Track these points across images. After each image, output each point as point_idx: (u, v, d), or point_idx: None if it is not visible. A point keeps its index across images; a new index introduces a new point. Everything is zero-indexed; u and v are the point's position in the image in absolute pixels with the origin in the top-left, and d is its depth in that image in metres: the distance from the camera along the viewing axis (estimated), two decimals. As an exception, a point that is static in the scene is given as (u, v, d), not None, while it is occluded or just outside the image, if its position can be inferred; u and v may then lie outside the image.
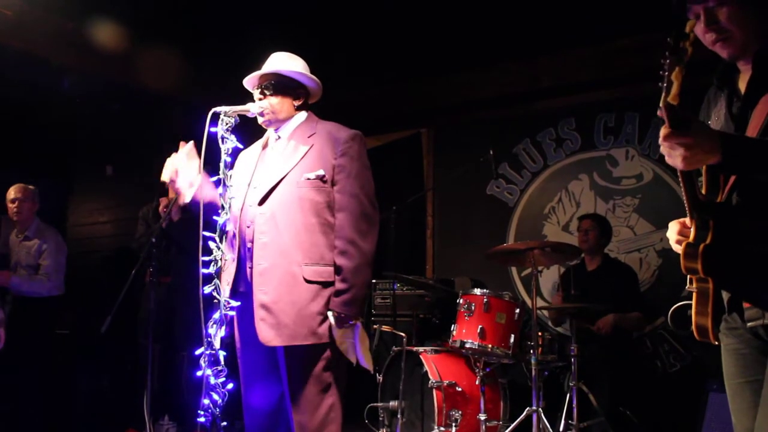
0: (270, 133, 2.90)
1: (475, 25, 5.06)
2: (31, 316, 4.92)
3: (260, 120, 2.84)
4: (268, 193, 2.70)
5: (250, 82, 2.87)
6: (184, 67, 5.41)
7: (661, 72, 1.60)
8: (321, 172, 2.69)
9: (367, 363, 2.72)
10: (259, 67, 2.85)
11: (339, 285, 2.64)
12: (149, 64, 5.23)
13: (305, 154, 2.73)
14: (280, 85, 2.81)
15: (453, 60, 5.67)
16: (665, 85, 1.59)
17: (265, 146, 2.92)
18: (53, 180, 7.65)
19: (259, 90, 2.82)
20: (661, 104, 1.59)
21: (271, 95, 2.80)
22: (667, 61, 1.60)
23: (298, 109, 2.87)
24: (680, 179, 1.70)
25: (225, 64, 5.03)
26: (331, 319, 2.63)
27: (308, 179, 2.69)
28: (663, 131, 1.61)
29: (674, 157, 1.63)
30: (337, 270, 2.66)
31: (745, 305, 1.77)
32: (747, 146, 1.68)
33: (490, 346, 4.02)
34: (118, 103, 6.06)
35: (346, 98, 5.89)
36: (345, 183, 2.70)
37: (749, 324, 1.76)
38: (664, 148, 1.64)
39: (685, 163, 1.62)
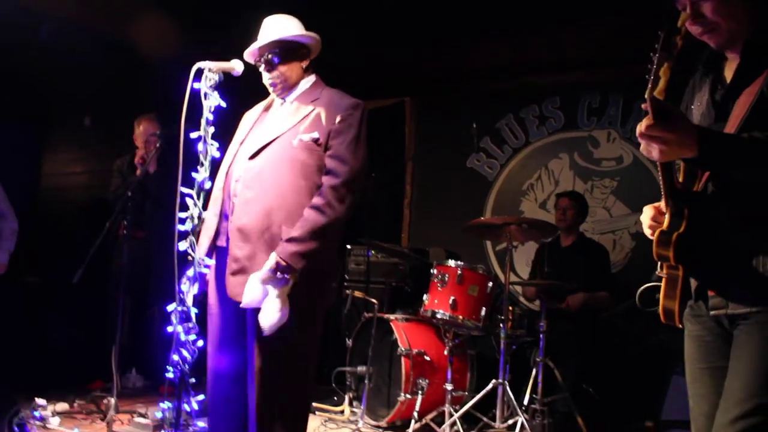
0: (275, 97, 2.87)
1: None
2: None
3: (272, 91, 2.79)
4: (260, 149, 2.67)
5: (251, 55, 2.81)
6: (172, 26, 5.31)
7: (649, 65, 1.61)
8: (315, 135, 2.64)
9: (267, 322, 2.45)
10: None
11: (295, 232, 2.52)
12: (138, 19, 5.14)
13: (304, 117, 2.70)
14: (284, 51, 2.76)
15: (442, 29, 5.62)
16: (652, 78, 1.60)
17: (267, 108, 2.89)
18: (28, 127, 7.51)
19: (265, 63, 2.77)
20: (646, 95, 1.60)
21: (279, 64, 2.75)
22: (657, 55, 1.60)
23: (306, 70, 2.83)
24: (658, 166, 1.72)
25: (213, 23, 4.96)
26: (269, 262, 2.48)
27: (302, 140, 2.65)
28: (645, 122, 1.62)
29: (652, 148, 1.65)
30: (303, 220, 2.55)
31: (710, 293, 1.80)
32: (724, 143, 1.69)
33: (460, 317, 4.06)
34: (102, 55, 5.95)
35: (331, 60, 5.81)
36: (338, 148, 2.64)
37: (713, 312, 1.79)
38: (642, 139, 1.65)
39: (662, 155, 1.65)
